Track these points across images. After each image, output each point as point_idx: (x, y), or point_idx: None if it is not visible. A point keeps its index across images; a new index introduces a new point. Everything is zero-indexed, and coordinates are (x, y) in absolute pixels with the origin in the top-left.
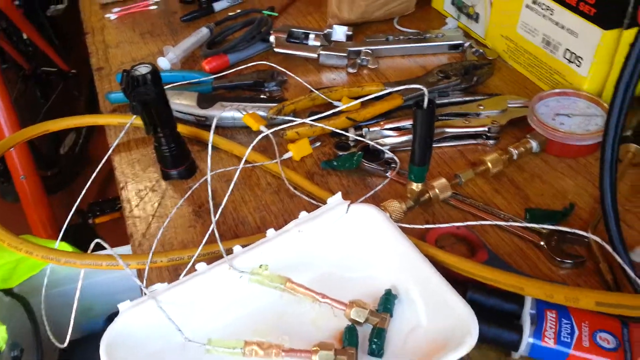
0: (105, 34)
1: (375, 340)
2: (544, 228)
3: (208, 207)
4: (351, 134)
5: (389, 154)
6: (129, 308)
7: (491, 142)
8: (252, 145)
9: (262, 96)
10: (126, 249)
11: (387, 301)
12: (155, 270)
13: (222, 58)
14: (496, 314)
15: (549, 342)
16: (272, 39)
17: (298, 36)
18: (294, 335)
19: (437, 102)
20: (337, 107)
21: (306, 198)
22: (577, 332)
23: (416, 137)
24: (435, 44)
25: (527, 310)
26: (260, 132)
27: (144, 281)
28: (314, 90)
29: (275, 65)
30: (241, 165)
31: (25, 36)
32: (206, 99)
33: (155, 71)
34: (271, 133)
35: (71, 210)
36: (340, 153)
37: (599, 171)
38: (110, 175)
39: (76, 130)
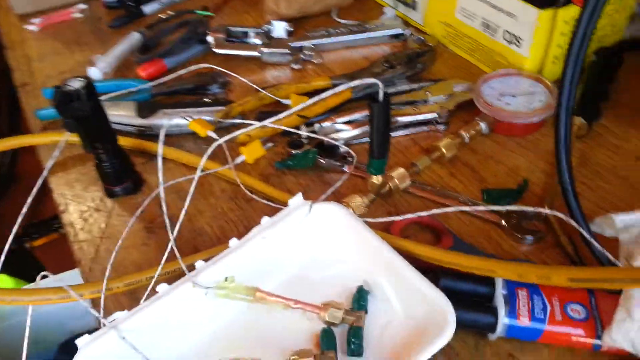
0: (27, 47)
1: (354, 340)
2: (505, 209)
3: (160, 221)
4: (303, 132)
5: (344, 149)
6: (89, 343)
7: (442, 127)
8: (207, 153)
9: (205, 100)
10: (74, 274)
11: (361, 298)
12: (110, 297)
13: (158, 63)
14: (469, 299)
15: (524, 321)
16: (210, 39)
17: (237, 35)
18: (268, 345)
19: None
20: (286, 105)
21: (265, 201)
22: (549, 307)
23: (374, 130)
24: (376, 35)
25: (500, 291)
26: (209, 137)
27: (101, 311)
28: (260, 89)
29: (216, 67)
30: (198, 174)
31: None
32: (146, 108)
33: (89, 84)
34: (221, 137)
35: (7, 238)
36: (294, 152)
37: (554, 147)
38: (42, 194)
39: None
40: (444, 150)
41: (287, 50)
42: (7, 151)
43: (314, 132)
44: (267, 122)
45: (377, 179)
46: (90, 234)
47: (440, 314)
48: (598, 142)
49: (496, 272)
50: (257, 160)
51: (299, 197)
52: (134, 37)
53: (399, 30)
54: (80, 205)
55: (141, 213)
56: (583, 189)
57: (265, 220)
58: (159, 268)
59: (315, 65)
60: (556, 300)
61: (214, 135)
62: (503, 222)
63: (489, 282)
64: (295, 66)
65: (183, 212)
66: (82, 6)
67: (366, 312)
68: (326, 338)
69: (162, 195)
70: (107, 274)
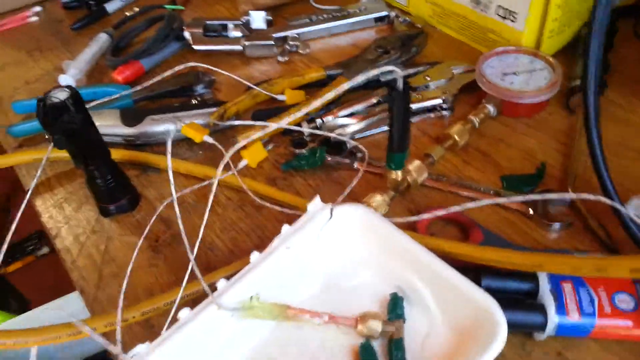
0: None
1: (397, 352)
2: (541, 198)
3: (165, 239)
4: (305, 129)
5: (352, 144)
6: None
7: (447, 113)
8: (223, 161)
9: (193, 101)
10: (73, 299)
11: (396, 306)
12: (124, 327)
13: (135, 65)
14: (512, 297)
15: (574, 316)
16: (186, 35)
17: (215, 29)
18: None
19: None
20: (281, 101)
21: (276, 207)
22: (596, 299)
23: (393, 122)
24: (360, 19)
25: (546, 287)
26: (204, 142)
27: (118, 344)
28: (252, 86)
29: (202, 65)
30: (215, 184)
31: None
32: (131, 115)
33: (76, 94)
34: (218, 141)
35: None
36: (298, 151)
37: (584, 128)
38: (4, 214)
39: None
40: (457, 138)
41: (270, 42)
42: None
43: (316, 128)
44: (283, 124)
45: (397, 175)
46: (90, 258)
47: (487, 317)
48: (605, 117)
49: (544, 266)
50: (260, 163)
51: (317, 200)
52: (102, 39)
53: (383, 13)
54: (75, 228)
55: (141, 230)
56: None
57: (285, 228)
58: (180, 291)
59: (302, 56)
60: (602, 291)
61: (210, 140)
62: (531, 210)
63: (532, 277)
64: (282, 59)
65: (202, 227)
66: (36, 9)
67: (404, 320)
68: (366, 353)
69: (177, 211)
70: (120, 303)
